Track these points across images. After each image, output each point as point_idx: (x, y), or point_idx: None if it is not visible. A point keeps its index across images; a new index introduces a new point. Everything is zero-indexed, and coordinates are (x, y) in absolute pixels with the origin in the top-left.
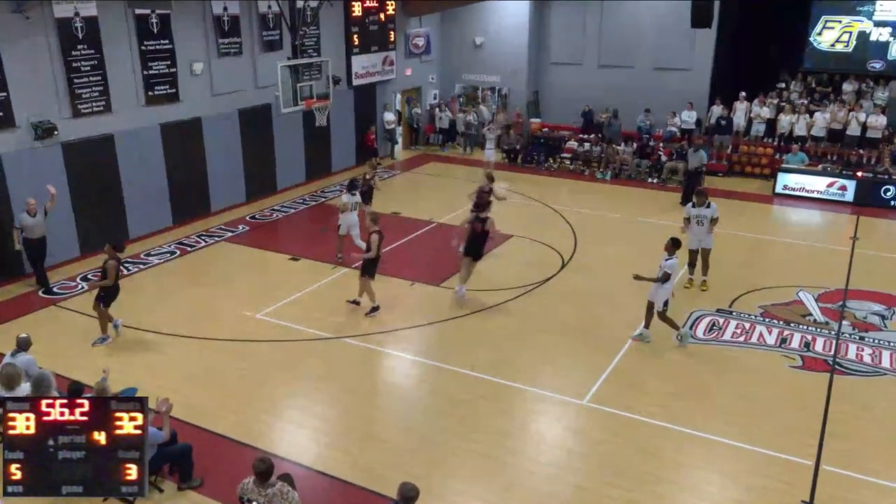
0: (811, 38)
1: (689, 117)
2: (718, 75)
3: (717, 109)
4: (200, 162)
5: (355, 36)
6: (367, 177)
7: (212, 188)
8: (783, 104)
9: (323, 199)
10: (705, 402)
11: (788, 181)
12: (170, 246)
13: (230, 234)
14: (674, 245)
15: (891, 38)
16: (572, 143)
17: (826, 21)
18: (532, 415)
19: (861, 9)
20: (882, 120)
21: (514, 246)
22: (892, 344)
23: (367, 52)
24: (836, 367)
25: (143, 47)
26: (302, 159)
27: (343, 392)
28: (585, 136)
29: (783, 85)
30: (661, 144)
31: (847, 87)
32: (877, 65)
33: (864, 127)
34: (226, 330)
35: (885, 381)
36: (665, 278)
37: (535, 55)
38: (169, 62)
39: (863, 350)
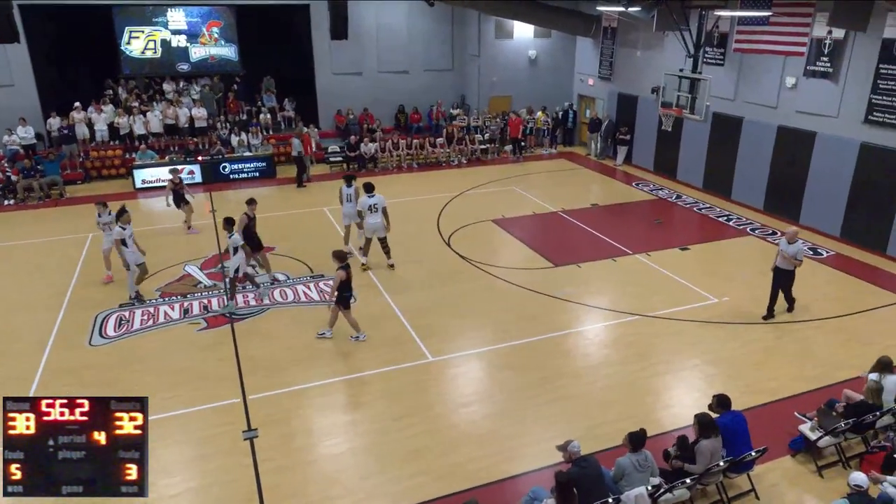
0: (122, 48)
1: (26, 133)
2: (46, 88)
3: (56, 121)
4: None
5: None
6: (175, 181)
7: None
8: (118, 109)
9: None
10: (137, 389)
11: (145, 175)
12: None
13: None
14: (228, 223)
15: (188, 44)
16: None
17: (131, 32)
18: None
19: (156, 20)
20: (203, 111)
21: None
22: (264, 285)
23: None
24: (233, 316)
25: None
26: None
27: None
28: None
29: (111, 92)
30: (6, 164)
31: (167, 87)
32: (184, 66)
33: (192, 119)
34: None
35: (272, 314)
36: (235, 252)
37: None
38: None
39: (248, 296)
